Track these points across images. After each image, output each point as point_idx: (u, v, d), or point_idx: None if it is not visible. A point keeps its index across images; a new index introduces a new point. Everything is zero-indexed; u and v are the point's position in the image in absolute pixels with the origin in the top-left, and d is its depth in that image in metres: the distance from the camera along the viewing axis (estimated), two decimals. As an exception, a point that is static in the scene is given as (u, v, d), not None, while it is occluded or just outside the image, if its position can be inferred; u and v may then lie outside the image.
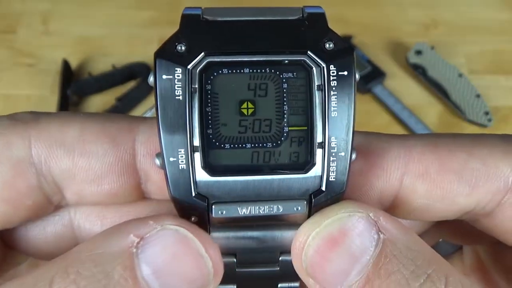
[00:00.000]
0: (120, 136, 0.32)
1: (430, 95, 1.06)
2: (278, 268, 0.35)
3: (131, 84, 1.05)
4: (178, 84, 0.29)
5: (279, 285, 0.36)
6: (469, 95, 1.02)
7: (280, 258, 0.34)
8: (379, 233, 0.28)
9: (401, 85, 1.07)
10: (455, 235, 0.42)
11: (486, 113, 1.00)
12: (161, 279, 0.27)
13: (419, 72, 1.06)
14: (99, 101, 1.04)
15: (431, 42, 1.10)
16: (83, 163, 0.32)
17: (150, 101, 1.03)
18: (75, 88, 1.03)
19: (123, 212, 0.36)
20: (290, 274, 0.34)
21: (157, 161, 0.30)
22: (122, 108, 1.01)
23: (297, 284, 0.36)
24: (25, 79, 1.06)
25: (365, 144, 0.33)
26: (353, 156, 0.30)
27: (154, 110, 0.29)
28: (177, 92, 0.29)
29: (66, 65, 1.05)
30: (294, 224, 0.32)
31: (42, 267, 0.28)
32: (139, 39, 1.11)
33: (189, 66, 0.29)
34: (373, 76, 1.05)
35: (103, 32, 1.13)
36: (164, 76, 0.29)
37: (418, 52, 1.07)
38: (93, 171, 0.32)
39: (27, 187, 0.32)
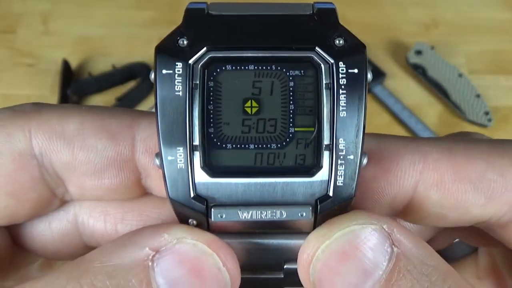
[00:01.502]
0: (120, 132, 0.32)
1: (430, 95, 1.06)
2: (283, 276, 0.33)
3: (131, 84, 1.05)
4: (178, 80, 0.28)
5: None
6: (469, 95, 1.02)
7: (284, 267, 0.33)
8: (393, 246, 0.27)
9: (401, 85, 1.07)
10: (470, 237, 0.40)
11: (486, 113, 1.00)
12: None
13: (419, 72, 1.06)
14: (99, 101, 1.04)
15: (431, 42, 1.10)
16: (82, 157, 0.31)
17: (150, 101, 1.03)
18: (75, 88, 1.03)
19: (125, 208, 0.35)
20: (295, 282, 0.32)
21: (157, 161, 0.29)
22: (122, 108, 1.01)
23: None
24: (25, 79, 1.06)
25: (378, 148, 0.32)
26: (364, 160, 0.29)
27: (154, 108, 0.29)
28: (177, 87, 0.28)
29: (66, 65, 1.05)
30: (299, 231, 0.30)
31: (53, 273, 0.27)
32: (139, 39, 1.11)
33: (190, 61, 0.28)
34: (373, 76, 1.05)
35: (103, 32, 1.13)
36: (164, 71, 0.28)
37: (418, 52, 1.07)
38: (92, 165, 0.32)
39: (30, 180, 0.32)
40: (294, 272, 0.31)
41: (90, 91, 1.05)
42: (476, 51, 1.12)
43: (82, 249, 0.36)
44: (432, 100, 1.05)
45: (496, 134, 1.00)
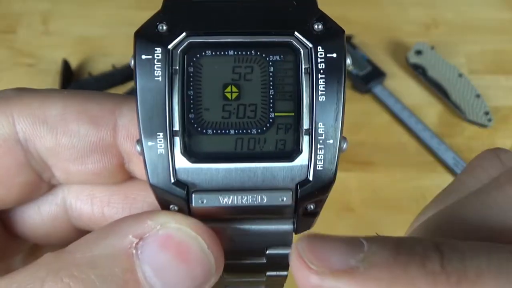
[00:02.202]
0: (102, 117, 0.32)
1: (430, 95, 1.06)
2: (265, 261, 0.34)
3: (131, 84, 1.05)
4: (157, 65, 0.28)
5: (267, 274, 0.35)
6: (469, 95, 1.02)
7: (267, 252, 0.33)
8: None
9: (401, 85, 1.07)
10: None
11: (486, 113, 1.00)
12: (164, 279, 0.27)
13: (419, 72, 1.06)
14: (99, 101, 1.04)
15: (431, 42, 1.10)
16: (65, 142, 0.31)
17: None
18: (75, 88, 1.03)
19: (112, 191, 0.35)
20: (278, 264, 0.33)
21: (138, 148, 0.28)
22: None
23: (286, 273, 0.35)
24: (25, 79, 1.06)
25: None
26: (344, 145, 0.29)
27: None
28: (157, 73, 0.28)
29: (66, 65, 1.05)
30: (280, 216, 0.31)
31: (33, 266, 0.27)
32: (139, 39, 1.10)
33: (169, 46, 0.28)
34: (373, 76, 1.05)
35: (103, 32, 1.13)
36: (143, 56, 0.28)
37: (418, 52, 1.07)
38: (75, 150, 0.32)
39: (16, 165, 0.32)
40: (277, 256, 0.32)
41: (90, 91, 1.05)
42: (476, 51, 1.12)
43: (71, 232, 0.37)
44: (432, 100, 1.05)
45: (496, 134, 1.00)
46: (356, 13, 1.16)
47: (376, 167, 0.96)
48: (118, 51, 1.08)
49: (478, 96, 1.02)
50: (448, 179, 0.95)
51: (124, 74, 1.05)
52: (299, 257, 0.25)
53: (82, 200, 0.35)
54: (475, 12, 1.19)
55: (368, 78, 1.05)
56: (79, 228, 0.37)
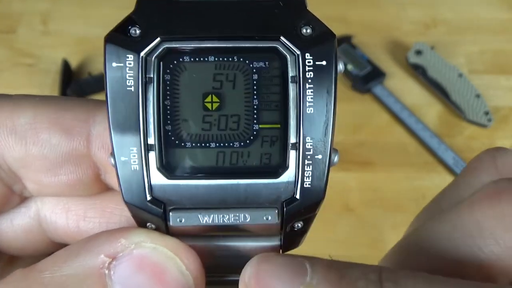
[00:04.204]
0: (75, 126, 0.30)
1: (430, 95, 1.06)
2: None
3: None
4: (129, 74, 0.26)
5: None
6: (469, 95, 1.02)
7: None
8: None
9: (401, 85, 1.07)
10: None
11: (486, 113, 1.00)
12: None
13: (419, 72, 1.06)
14: (99, 101, 1.04)
15: (431, 42, 1.10)
16: (36, 152, 0.29)
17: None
18: (75, 88, 1.03)
19: (87, 204, 0.33)
20: None
21: (112, 161, 0.26)
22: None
23: None
24: (25, 79, 1.06)
25: None
26: (335, 158, 0.27)
27: None
28: (129, 82, 0.26)
29: (66, 65, 1.05)
30: (265, 234, 0.29)
31: (1, 282, 0.26)
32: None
33: (142, 53, 0.26)
34: (373, 76, 1.05)
35: (103, 32, 1.11)
36: (114, 64, 0.26)
37: (418, 52, 1.07)
38: (47, 160, 0.30)
39: None
40: None
41: (90, 91, 1.05)
42: (476, 51, 1.12)
43: (48, 244, 0.35)
44: (432, 100, 1.05)
45: (496, 134, 1.00)
46: (356, 13, 1.16)
47: (376, 167, 0.96)
48: (118, 51, 1.08)
49: (478, 96, 1.02)
50: (448, 179, 0.95)
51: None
52: (244, 286, 0.25)
53: (56, 213, 0.33)
54: (475, 12, 1.19)
55: (368, 78, 1.05)
56: (55, 241, 0.35)
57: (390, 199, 0.92)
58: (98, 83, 1.04)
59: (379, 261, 0.31)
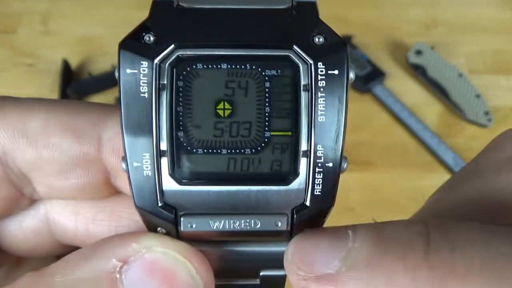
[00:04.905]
0: (86, 130, 0.30)
1: (430, 95, 1.06)
2: (259, 283, 0.32)
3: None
4: (143, 80, 0.26)
5: None
6: (469, 95, 1.02)
7: (261, 273, 0.31)
8: None
9: (401, 85, 1.07)
10: None
11: (486, 113, 1.00)
12: None
13: (419, 72, 1.06)
14: (99, 101, 1.04)
15: (431, 42, 1.10)
16: (47, 156, 0.30)
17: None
18: (75, 88, 1.03)
19: (97, 207, 0.34)
20: (272, 286, 0.31)
21: (123, 165, 0.27)
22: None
23: None
24: (25, 79, 1.06)
25: None
26: (344, 165, 0.27)
27: None
28: (142, 88, 0.26)
29: (66, 65, 1.05)
30: (274, 240, 0.29)
31: (12, 286, 0.26)
32: (139, 39, 1.10)
33: (156, 60, 0.26)
34: (373, 76, 1.05)
35: (103, 32, 1.13)
36: (128, 70, 0.26)
37: (418, 52, 1.07)
38: (58, 164, 0.30)
39: None
40: (271, 278, 0.31)
41: (90, 91, 1.05)
42: (476, 51, 1.12)
43: (56, 246, 0.35)
44: (432, 100, 1.05)
45: (496, 134, 1.00)
46: (356, 13, 1.16)
47: (376, 167, 0.96)
48: (118, 51, 1.08)
49: (478, 96, 1.02)
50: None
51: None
52: (288, 264, 0.25)
53: (65, 216, 0.34)
54: (475, 12, 1.19)
55: (368, 78, 1.05)
56: (63, 243, 0.35)
57: (390, 199, 0.92)
58: (98, 83, 1.04)
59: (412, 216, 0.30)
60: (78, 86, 1.04)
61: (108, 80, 1.04)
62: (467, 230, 0.22)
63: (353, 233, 0.24)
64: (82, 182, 0.31)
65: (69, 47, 1.10)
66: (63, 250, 0.36)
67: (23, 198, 0.33)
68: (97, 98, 1.05)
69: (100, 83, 1.04)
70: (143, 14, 0.28)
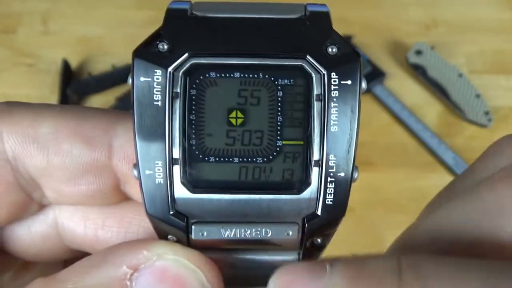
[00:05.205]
0: (96, 137, 0.30)
1: (430, 95, 1.06)
2: None
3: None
4: (157, 88, 0.26)
5: None
6: (469, 95, 1.02)
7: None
8: None
9: (401, 85, 1.07)
10: None
11: (486, 113, 1.00)
12: None
13: (419, 72, 1.06)
14: (99, 101, 1.04)
15: (431, 42, 1.10)
16: (57, 162, 0.30)
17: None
18: (75, 88, 1.03)
19: (106, 213, 0.34)
20: None
21: (135, 172, 0.27)
22: (122, 108, 1.01)
23: None
24: (25, 79, 1.06)
25: None
26: (355, 175, 0.27)
27: None
28: (156, 97, 0.26)
29: (66, 65, 1.05)
30: (285, 249, 0.29)
31: None
32: (139, 39, 1.10)
33: (170, 68, 0.26)
34: (373, 76, 1.05)
35: (103, 32, 1.13)
36: (142, 78, 0.26)
37: (418, 52, 1.07)
38: (68, 170, 0.30)
39: (4, 184, 0.30)
40: None
41: (90, 91, 1.05)
42: (476, 51, 1.12)
43: (64, 251, 0.35)
44: (432, 100, 1.05)
45: (496, 134, 1.00)
46: (356, 13, 1.16)
47: (376, 167, 0.96)
48: (118, 51, 1.08)
49: (478, 96, 1.02)
50: (448, 179, 0.95)
51: (124, 74, 1.04)
52: None
53: (75, 222, 0.34)
54: (475, 12, 1.19)
55: (368, 78, 1.05)
56: (72, 248, 0.35)
57: (390, 199, 0.92)
58: (98, 83, 1.04)
59: (386, 250, 0.31)
60: (78, 86, 1.04)
61: (108, 80, 1.04)
62: (438, 266, 0.22)
63: (331, 268, 0.24)
64: (92, 188, 0.31)
65: (69, 47, 1.10)
66: (71, 255, 0.36)
67: (32, 203, 0.33)
68: (97, 98, 1.05)
69: (100, 83, 1.04)
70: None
